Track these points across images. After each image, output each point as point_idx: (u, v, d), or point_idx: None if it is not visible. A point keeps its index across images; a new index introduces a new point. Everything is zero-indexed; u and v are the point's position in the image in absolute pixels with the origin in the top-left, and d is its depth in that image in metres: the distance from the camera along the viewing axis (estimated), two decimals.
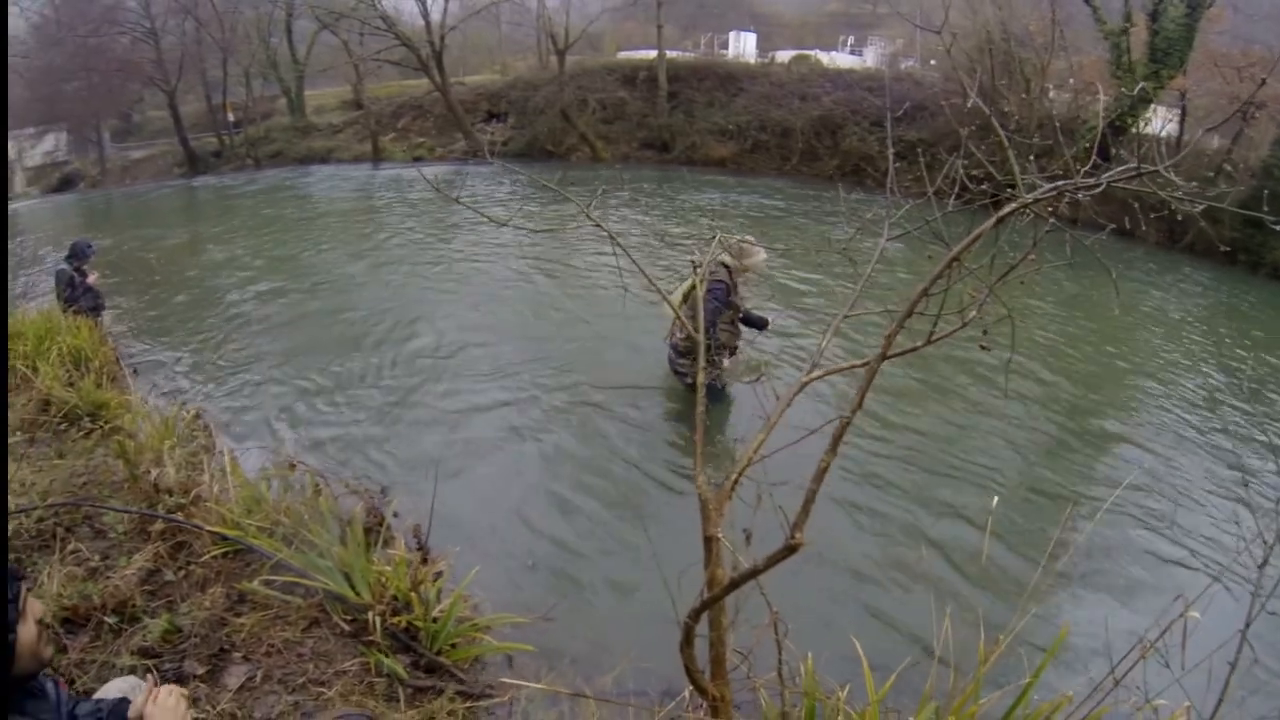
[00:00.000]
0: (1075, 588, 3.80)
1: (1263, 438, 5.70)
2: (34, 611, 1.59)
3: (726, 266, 4.87)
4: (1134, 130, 13.15)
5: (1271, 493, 4.62)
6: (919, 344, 1.82)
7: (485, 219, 3.08)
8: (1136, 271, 11.14)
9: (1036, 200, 1.79)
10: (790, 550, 1.49)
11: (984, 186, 2.29)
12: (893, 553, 3.95)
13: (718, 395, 5.23)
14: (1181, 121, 14.43)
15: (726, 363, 5.21)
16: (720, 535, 1.72)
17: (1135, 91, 11.87)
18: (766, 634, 2.14)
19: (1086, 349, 7.31)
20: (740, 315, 5.12)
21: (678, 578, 2.23)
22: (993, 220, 1.78)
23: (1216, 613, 3.43)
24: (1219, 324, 9.05)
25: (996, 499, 3.08)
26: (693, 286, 4.52)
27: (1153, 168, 1.81)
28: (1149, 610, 3.55)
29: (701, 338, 2.00)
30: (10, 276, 9.24)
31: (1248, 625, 2.06)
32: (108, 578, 3.02)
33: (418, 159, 20.91)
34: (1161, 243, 12.72)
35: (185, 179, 22.25)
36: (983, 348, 1.85)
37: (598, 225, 2.11)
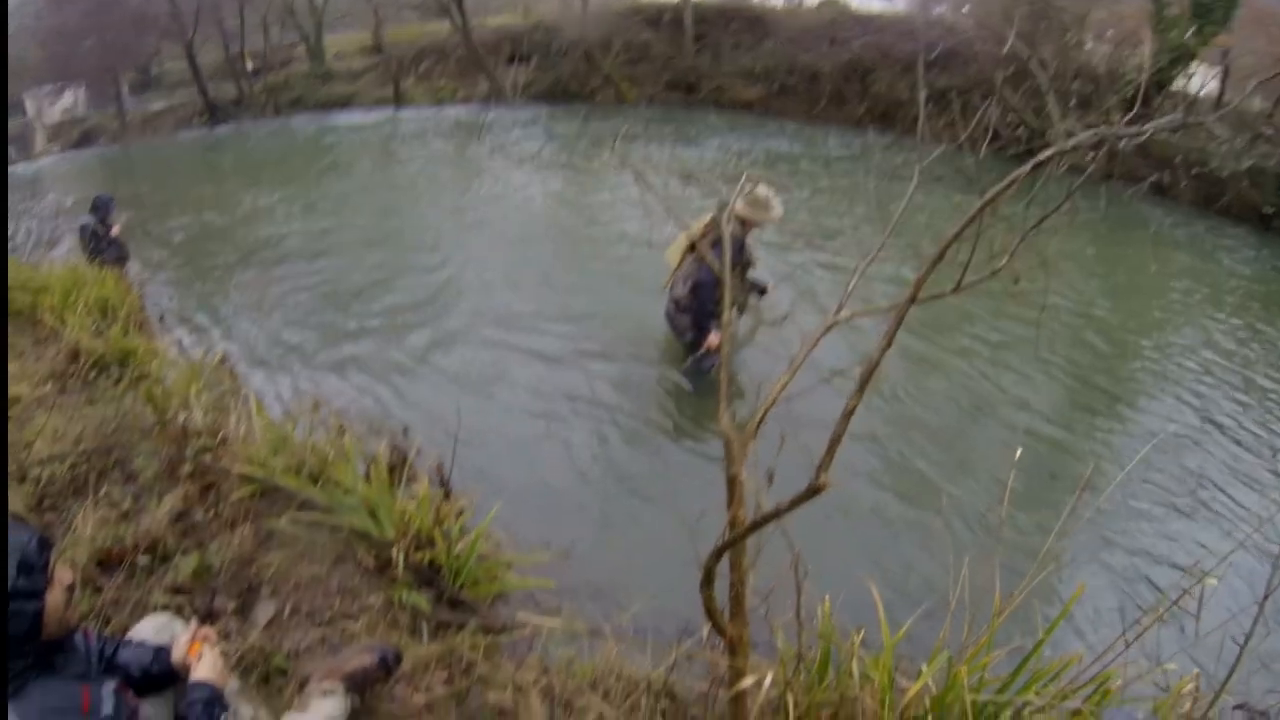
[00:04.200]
0: (1094, 547, 3.79)
1: None
2: (61, 579, 1.62)
3: (740, 218, 4.55)
4: (1173, 87, 12.64)
5: None
6: (948, 290, 1.78)
7: (512, 159, 3.04)
8: (1171, 231, 10.83)
9: (1076, 146, 1.73)
10: (814, 491, 1.49)
11: (1020, 131, 2.21)
12: (913, 501, 3.96)
13: (699, 369, 4.89)
14: (1223, 81, 13.85)
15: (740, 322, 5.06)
16: (743, 475, 1.72)
17: (1185, 38, 11.34)
18: (785, 576, 2.16)
19: (1117, 308, 7.16)
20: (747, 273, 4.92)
21: (697, 518, 2.25)
22: (1030, 165, 1.72)
23: (1235, 582, 3.44)
24: (1254, 291, 8.79)
25: (1020, 450, 3.06)
26: (699, 236, 4.33)
27: (1199, 119, 1.75)
28: (1167, 574, 3.55)
29: (728, 277, 1.97)
30: (29, 232, 9.34)
31: (1266, 597, 2.05)
32: (140, 520, 3.09)
33: (440, 102, 20.56)
34: (1197, 203, 12.29)
35: (206, 128, 22.14)
36: (1014, 295, 1.81)
37: (622, 162, 2.07)
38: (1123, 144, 1.70)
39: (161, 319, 6.42)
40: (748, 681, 1.91)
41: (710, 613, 1.90)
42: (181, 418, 3.72)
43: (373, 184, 11.76)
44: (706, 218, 4.62)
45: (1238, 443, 4.95)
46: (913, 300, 1.62)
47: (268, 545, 3.05)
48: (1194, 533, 4.02)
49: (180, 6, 22.48)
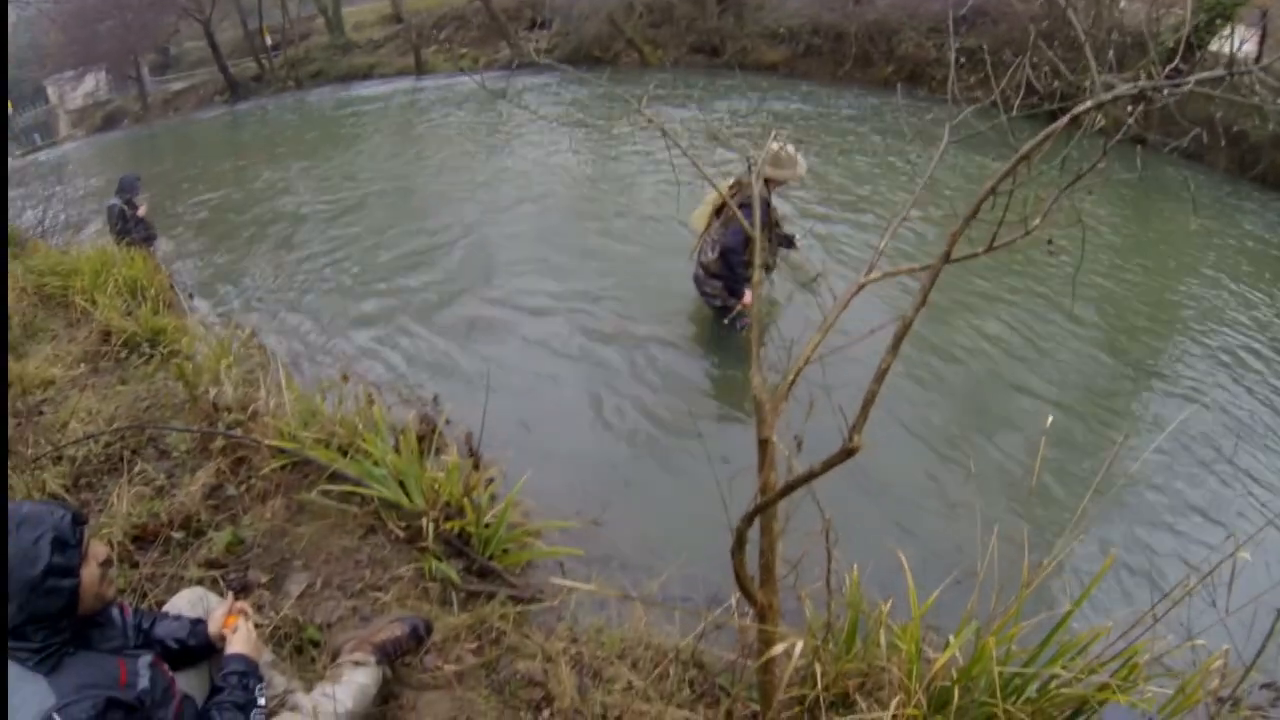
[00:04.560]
0: (1125, 518, 3.71)
1: None
2: (96, 555, 1.64)
3: (765, 178, 4.46)
4: (1210, 48, 12.19)
5: None
6: (980, 250, 1.73)
7: (538, 117, 2.99)
8: (1206, 197, 10.50)
9: (1116, 99, 1.66)
10: (848, 454, 1.46)
11: (1055, 86, 2.14)
12: (943, 468, 3.91)
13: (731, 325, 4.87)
14: (1261, 42, 13.32)
15: (766, 283, 5.03)
16: (774, 438, 1.70)
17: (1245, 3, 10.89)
18: (815, 543, 2.15)
19: (1152, 273, 6.96)
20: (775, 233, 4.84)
21: (729, 482, 2.23)
22: (1067, 117, 1.65)
23: (1268, 556, 3.36)
24: None
25: (1051, 418, 3.01)
26: (723, 202, 4.33)
27: (1245, 69, 1.67)
28: (1198, 547, 3.48)
29: (758, 236, 1.93)
30: (57, 216, 9.48)
31: None
32: (173, 495, 3.14)
33: (461, 70, 20.45)
34: (1231, 170, 11.90)
35: (228, 106, 22.27)
36: (1050, 254, 1.76)
37: (650, 121, 2.03)
38: (1165, 95, 1.62)
39: (190, 296, 6.51)
40: (778, 649, 1.90)
41: (740, 579, 1.88)
42: (212, 393, 3.78)
43: (395, 154, 11.74)
44: (730, 180, 4.56)
45: (1274, 413, 4.81)
46: (947, 258, 1.58)
47: (299, 518, 3.10)
48: (1227, 505, 3.91)
49: None
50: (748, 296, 4.54)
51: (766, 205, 4.55)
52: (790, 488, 1.62)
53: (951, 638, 2.21)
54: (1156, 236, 8.02)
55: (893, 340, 1.49)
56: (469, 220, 7.75)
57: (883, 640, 2.27)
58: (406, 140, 12.87)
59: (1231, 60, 10.25)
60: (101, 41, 22.70)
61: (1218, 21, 12.26)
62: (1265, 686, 2.48)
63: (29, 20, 24.09)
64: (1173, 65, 1.89)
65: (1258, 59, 12.65)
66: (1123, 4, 14.61)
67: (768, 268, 5.00)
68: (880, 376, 1.49)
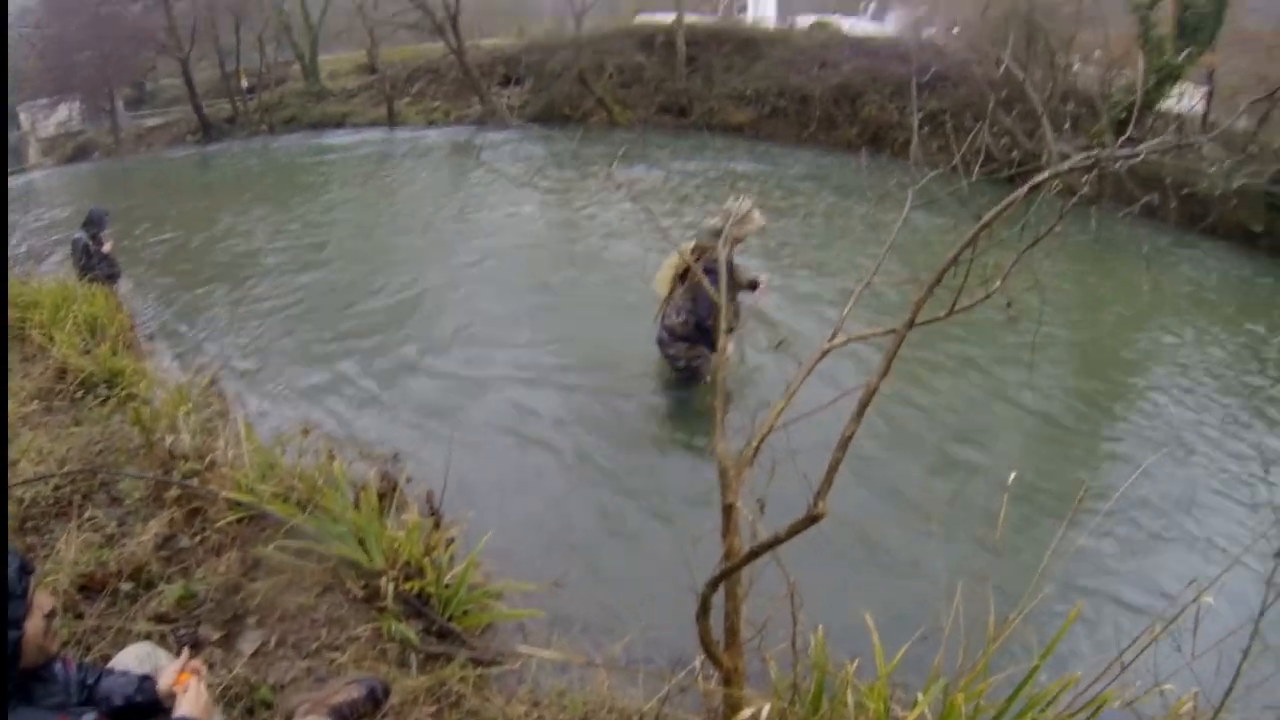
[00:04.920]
0: (1088, 571, 3.76)
1: None
2: (41, 606, 1.58)
3: (718, 233, 4.45)
4: (1160, 107, 12.84)
5: None
6: (941, 315, 1.78)
7: (506, 178, 3.04)
8: (1159, 250, 10.95)
9: (1072, 169, 1.74)
10: (813, 519, 1.47)
11: (1014, 154, 2.23)
12: (905, 526, 3.93)
13: (695, 379, 5.00)
14: (1209, 100, 14.06)
15: (731, 346, 5.00)
16: (739, 504, 1.70)
17: (1175, 59, 11.53)
18: (780, 607, 2.13)
19: (1106, 328, 7.20)
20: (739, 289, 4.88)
21: (693, 545, 2.22)
22: (1026, 188, 1.73)
23: (1230, 599, 3.42)
24: (1243, 307, 8.88)
25: (1013, 475, 3.05)
26: (687, 267, 4.36)
27: (1193, 139, 1.76)
28: (1162, 594, 3.53)
29: (724, 302, 1.96)
30: (20, 245, 9.30)
31: (1261, 614, 2.04)
32: (124, 544, 3.03)
33: (433, 123, 20.69)
34: (1181, 223, 12.47)
35: (200, 146, 22.20)
36: (1011, 319, 1.81)
37: (616, 184, 2.07)
38: (1117, 166, 1.70)
39: (150, 338, 6.38)
40: (746, 714, 1.88)
41: (706, 643, 1.87)
42: (169, 440, 3.68)
43: (362, 204, 11.78)
44: (692, 243, 4.62)
45: (1230, 457, 4.96)
46: (911, 324, 1.62)
47: (254, 573, 3.00)
48: (1187, 553, 4.01)
49: (177, 22, 22.61)
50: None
51: (730, 267, 4.62)
52: (755, 554, 1.62)
53: (920, 695, 2.20)
54: (1112, 290, 8.30)
55: (857, 408, 1.51)
56: (432, 275, 7.74)
57: (850, 700, 2.25)
58: (374, 191, 12.93)
59: (1180, 124, 10.77)
60: (79, 71, 22.56)
61: (1166, 84, 12.92)
62: None
63: (10, 43, 23.94)
64: (1126, 135, 1.98)
65: (1205, 116, 13.34)
66: (1075, 68, 15.34)
67: (730, 328, 5.04)
68: (844, 444, 1.51)
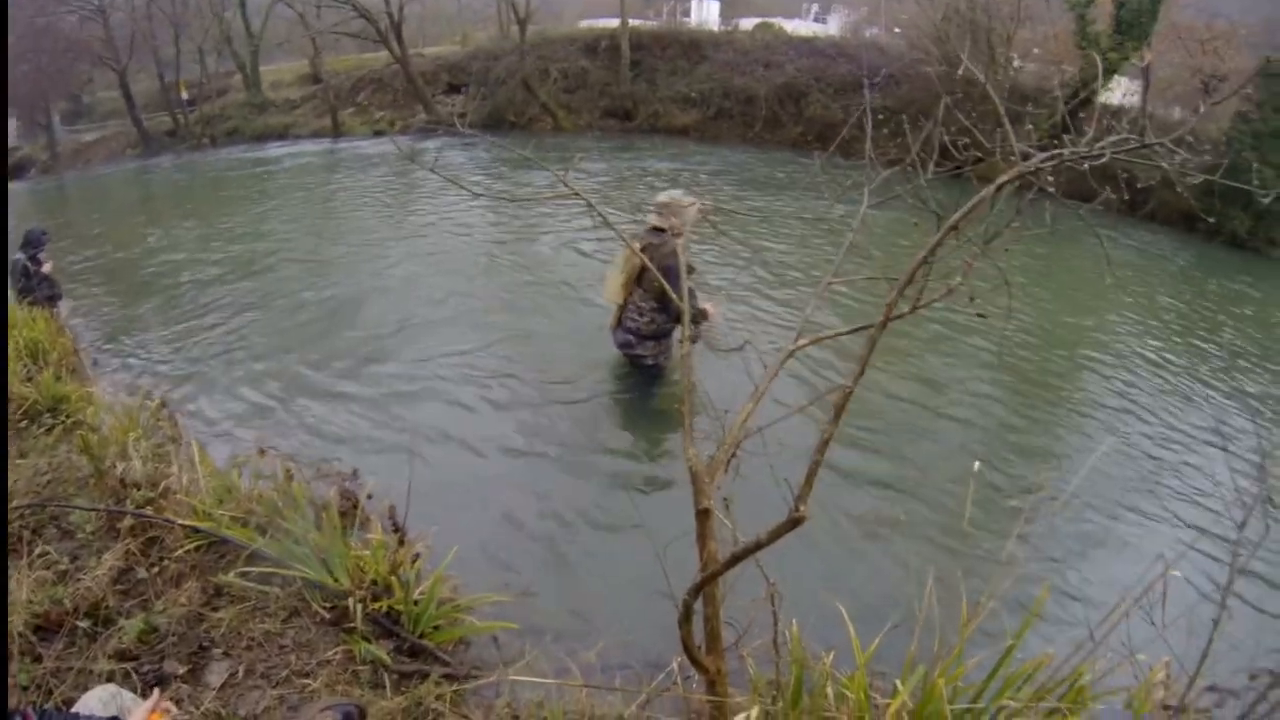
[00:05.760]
0: (1057, 549, 3.87)
1: (1240, 399, 5.85)
2: None
3: (660, 229, 4.52)
4: (1098, 101, 13.30)
5: (1252, 454, 4.75)
6: (906, 310, 1.81)
7: (460, 187, 3.00)
8: (1103, 239, 11.34)
9: (1038, 169, 1.79)
10: (794, 523, 1.48)
11: (970, 152, 2.28)
12: (873, 516, 3.98)
13: (660, 375, 5.06)
14: (1144, 94, 14.60)
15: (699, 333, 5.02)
16: (713, 508, 1.70)
17: (1110, 54, 11.95)
18: (756, 606, 2.14)
19: (1061, 315, 7.43)
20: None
21: (664, 550, 2.21)
22: (993, 187, 1.78)
23: (1195, 571, 3.56)
24: (1186, 288, 9.28)
25: (978, 464, 3.12)
26: (640, 267, 4.40)
27: (1155, 140, 1.83)
28: (1131, 570, 3.64)
29: (686, 306, 1.96)
30: None
31: (1228, 585, 2.11)
32: (79, 580, 2.92)
33: (378, 133, 20.39)
34: (1124, 211, 12.99)
35: (140, 160, 21.49)
36: (979, 315, 1.84)
37: (576, 193, 2.05)
38: (1085, 165, 1.76)
39: (95, 362, 6.14)
40: (739, 719, 1.88)
41: (688, 649, 1.86)
42: (120, 468, 3.55)
43: (306, 216, 11.52)
44: (638, 244, 4.57)
45: (1191, 435, 5.15)
46: (885, 323, 1.64)
47: (216, 602, 2.91)
48: (1155, 526, 4.15)
49: (115, 33, 21.93)
50: (710, 308, 4.71)
51: (687, 267, 4.67)
52: (736, 559, 1.62)
53: (899, 682, 2.24)
54: (1064, 279, 8.60)
55: (834, 410, 1.52)
56: (382, 286, 7.58)
57: (830, 692, 2.28)
58: (318, 202, 12.68)
59: (1143, 125, 11.26)
60: (14, 85, 21.72)
61: (1105, 78, 13.38)
62: (1209, 689, 2.59)
63: None
64: (1091, 135, 2.03)
65: (1142, 108, 13.86)
66: (1016, 64, 15.79)
67: (695, 325, 5.03)
68: (823, 446, 1.52)
